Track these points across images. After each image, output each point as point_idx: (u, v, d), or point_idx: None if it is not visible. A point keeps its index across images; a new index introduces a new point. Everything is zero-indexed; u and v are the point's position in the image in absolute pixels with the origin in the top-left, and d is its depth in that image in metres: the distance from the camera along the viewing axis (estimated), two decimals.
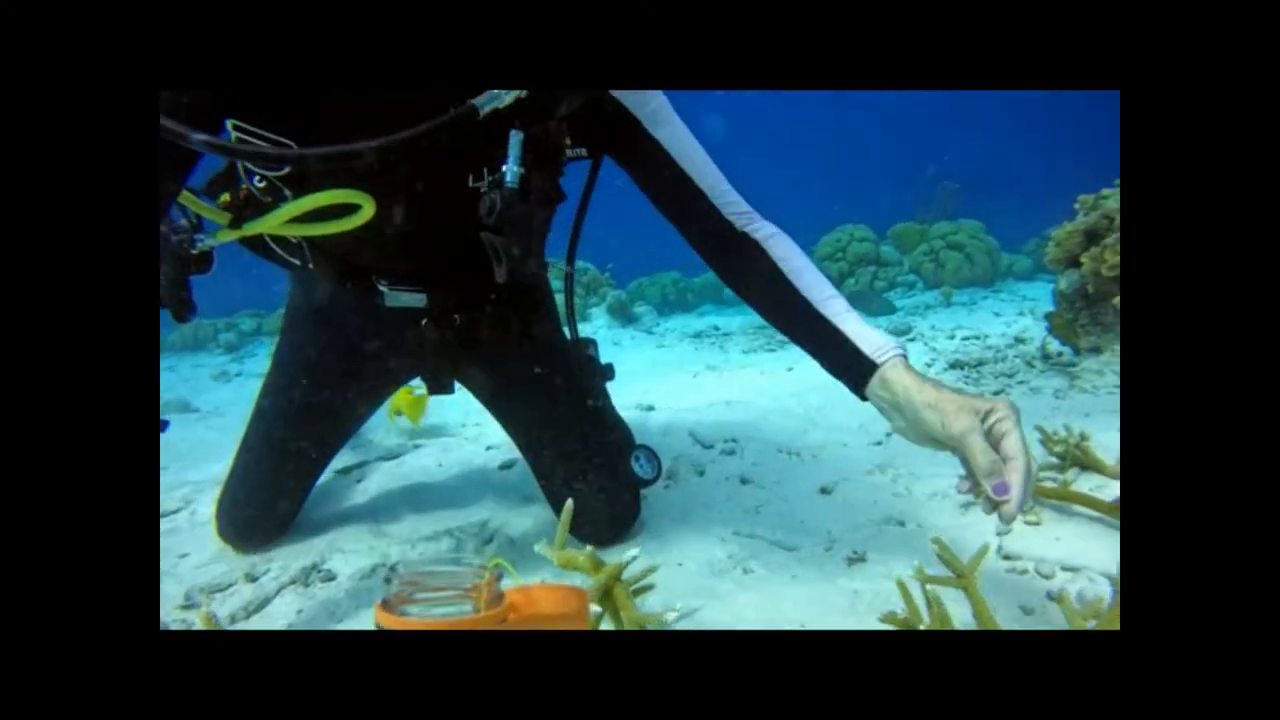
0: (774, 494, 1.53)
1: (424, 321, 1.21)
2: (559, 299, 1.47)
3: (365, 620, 1.09)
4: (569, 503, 0.98)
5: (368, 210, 0.93)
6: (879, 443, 1.81)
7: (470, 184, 1.05)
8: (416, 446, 2.06)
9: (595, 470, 1.33)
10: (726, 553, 1.27)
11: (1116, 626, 0.82)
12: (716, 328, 4.54)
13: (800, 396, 2.37)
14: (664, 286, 6.21)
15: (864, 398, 0.95)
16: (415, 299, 1.18)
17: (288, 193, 0.97)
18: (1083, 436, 1.35)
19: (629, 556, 0.90)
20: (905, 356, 0.92)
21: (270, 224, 0.94)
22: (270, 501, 1.38)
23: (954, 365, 2.74)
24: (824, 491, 1.52)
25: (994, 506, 0.77)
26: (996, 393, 2.28)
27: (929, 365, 2.81)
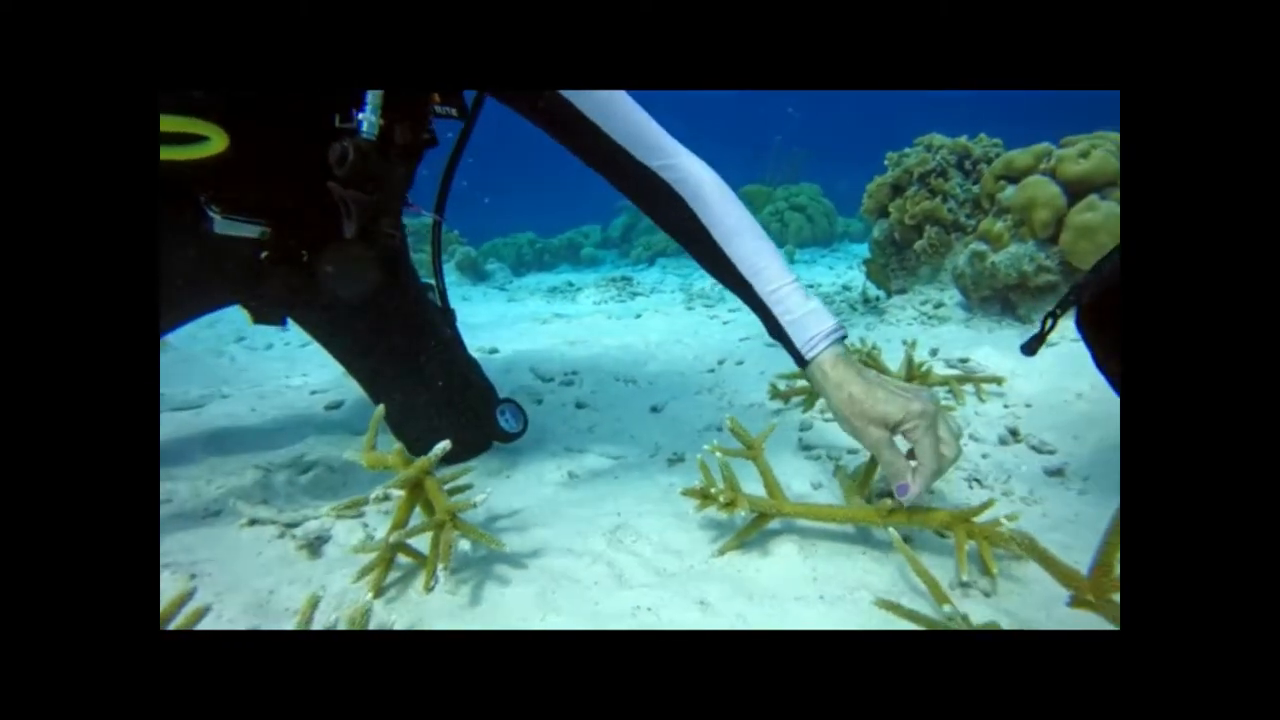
0: (607, 415, 1.59)
1: (263, 255, 1.08)
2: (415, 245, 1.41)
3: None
4: (380, 408, 0.96)
5: (217, 143, 0.85)
6: (711, 370, 1.92)
7: (336, 124, 0.94)
8: (224, 396, 1.90)
9: (454, 413, 1.28)
10: (555, 464, 1.31)
11: (865, 491, 0.94)
12: (571, 283, 4.56)
13: (643, 335, 2.45)
14: (519, 247, 6.13)
15: None
16: (251, 229, 1.06)
17: None
18: (874, 347, 1.52)
19: (440, 448, 0.91)
20: (840, 340, 0.90)
21: None
22: None
23: None
24: (654, 410, 1.59)
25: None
26: None
27: None
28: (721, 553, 0.93)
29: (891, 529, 0.84)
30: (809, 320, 0.90)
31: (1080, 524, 0.95)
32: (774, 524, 0.97)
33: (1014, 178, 2.17)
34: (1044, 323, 0.92)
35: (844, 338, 0.91)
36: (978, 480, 1.07)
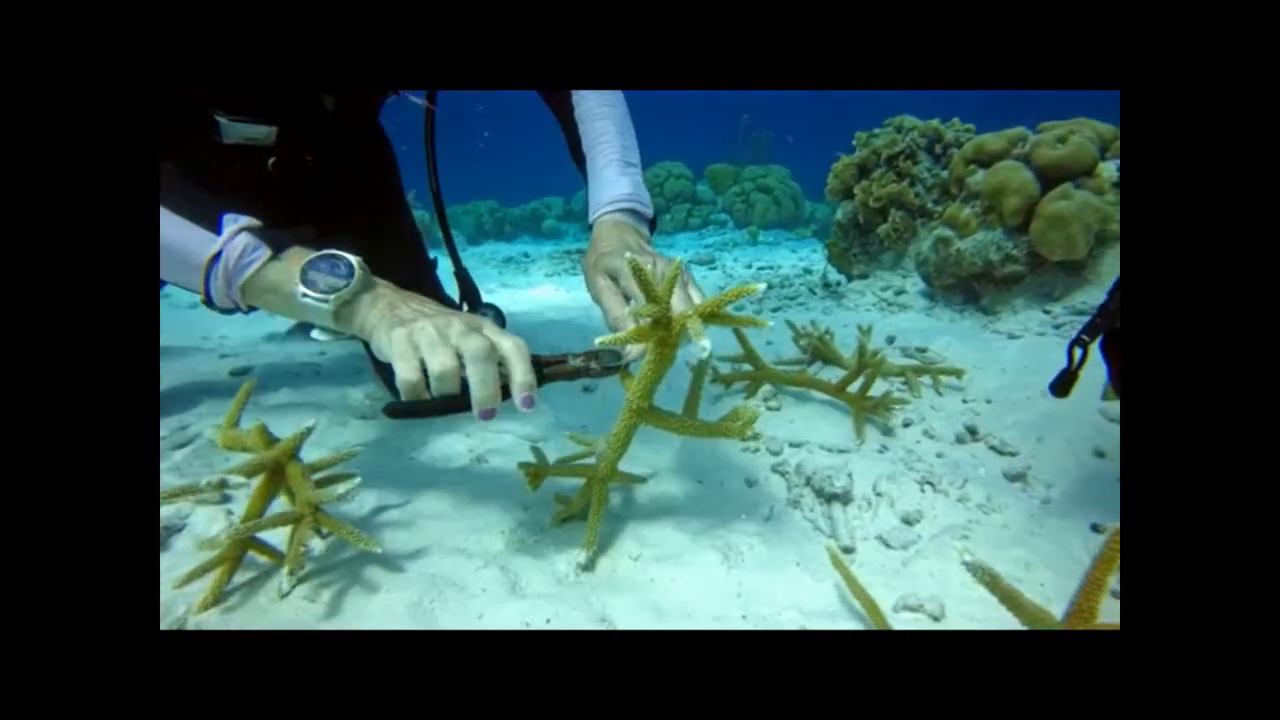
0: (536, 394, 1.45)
1: (271, 160, 1.08)
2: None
3: None
4: (246, 385, 0.82)
5: None
6: None
7: None
8: None
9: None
10: (467, 446, 1.17)
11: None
12: (526, 254, 4.38)
13: (589, 310, 2.31)
14: (479, 215, 5.91)
15: None
16: (259, 131, 1.04)
17: None
18: (826, 332, 1.40)
19: (305, 427, 0.76)
20: (624, 210, 0.94)
21: None
22: None
23: None
24: (586, 390, 1.46)
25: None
26: (775, 310, 2.37)
27: (721, 289, 2.88)
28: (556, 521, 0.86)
29: (829, 544, 0.72)
30: (607, 190, 0.97)
31: (1044, 537, 0.85)
32: (695, 528, 0.86)
33: (985, 162, 2.07)
34: (1071, 355, 0.82)
35: (633, 210, 0.95)
36: (930, 483, 0.96)
